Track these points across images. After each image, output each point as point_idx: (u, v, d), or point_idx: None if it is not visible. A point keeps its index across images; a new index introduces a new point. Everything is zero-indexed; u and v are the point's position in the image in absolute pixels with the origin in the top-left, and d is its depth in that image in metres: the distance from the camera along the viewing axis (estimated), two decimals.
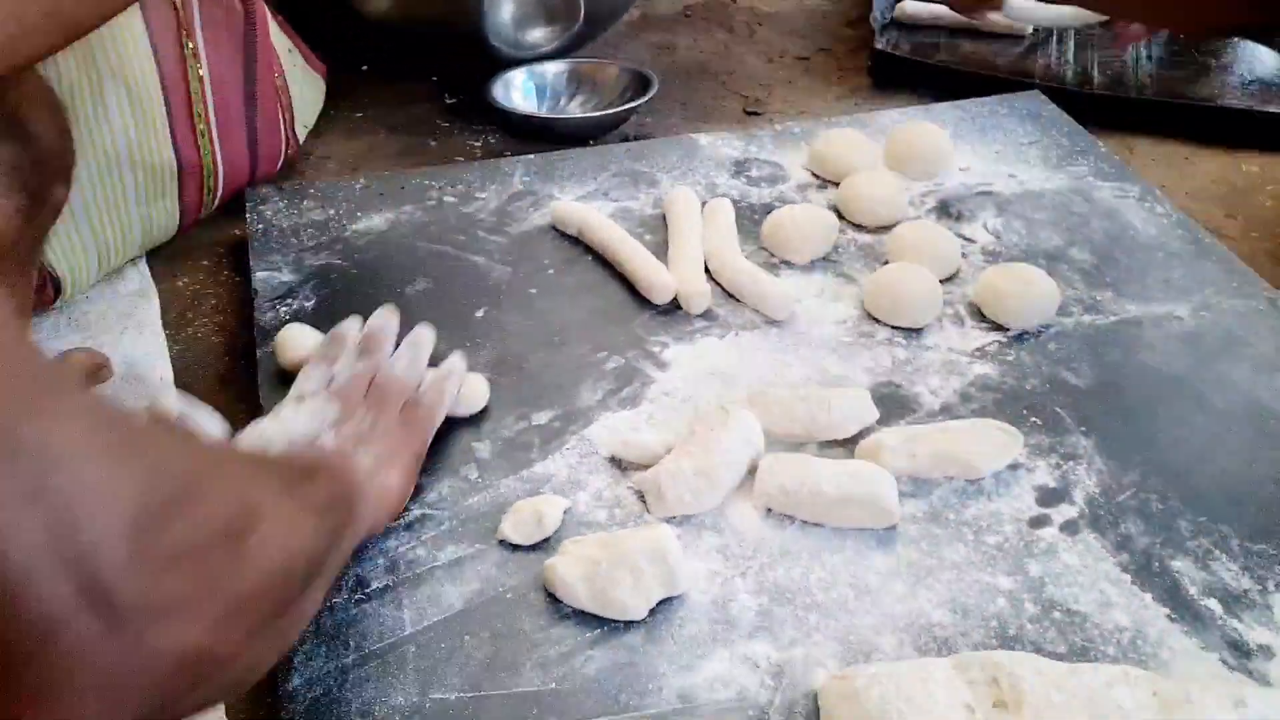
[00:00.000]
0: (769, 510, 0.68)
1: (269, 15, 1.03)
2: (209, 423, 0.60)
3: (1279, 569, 0.66)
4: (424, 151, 1.11)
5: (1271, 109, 1.22)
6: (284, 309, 0.83)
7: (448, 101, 1.19)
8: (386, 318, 0.76)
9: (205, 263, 0.94)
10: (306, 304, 0.84)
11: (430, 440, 0.70)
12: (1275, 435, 0.75)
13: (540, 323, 0.84)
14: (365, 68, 1.25)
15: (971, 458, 0.71)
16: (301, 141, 1.07)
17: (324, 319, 0.80)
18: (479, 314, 0.84)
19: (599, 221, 0.91)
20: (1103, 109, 1.19)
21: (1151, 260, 0.92)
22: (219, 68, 0.91)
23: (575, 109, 1.16)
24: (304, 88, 1.09)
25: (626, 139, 1.12)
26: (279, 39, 1.04)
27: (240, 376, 0.82)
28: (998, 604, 0.64)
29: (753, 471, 0.70)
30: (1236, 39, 1.35)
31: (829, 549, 0.67)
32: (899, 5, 1.38)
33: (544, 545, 0.66)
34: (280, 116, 0.99)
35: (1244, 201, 1.09)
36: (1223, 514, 0.69)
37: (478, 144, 1.12)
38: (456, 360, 0.75)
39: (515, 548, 0.66)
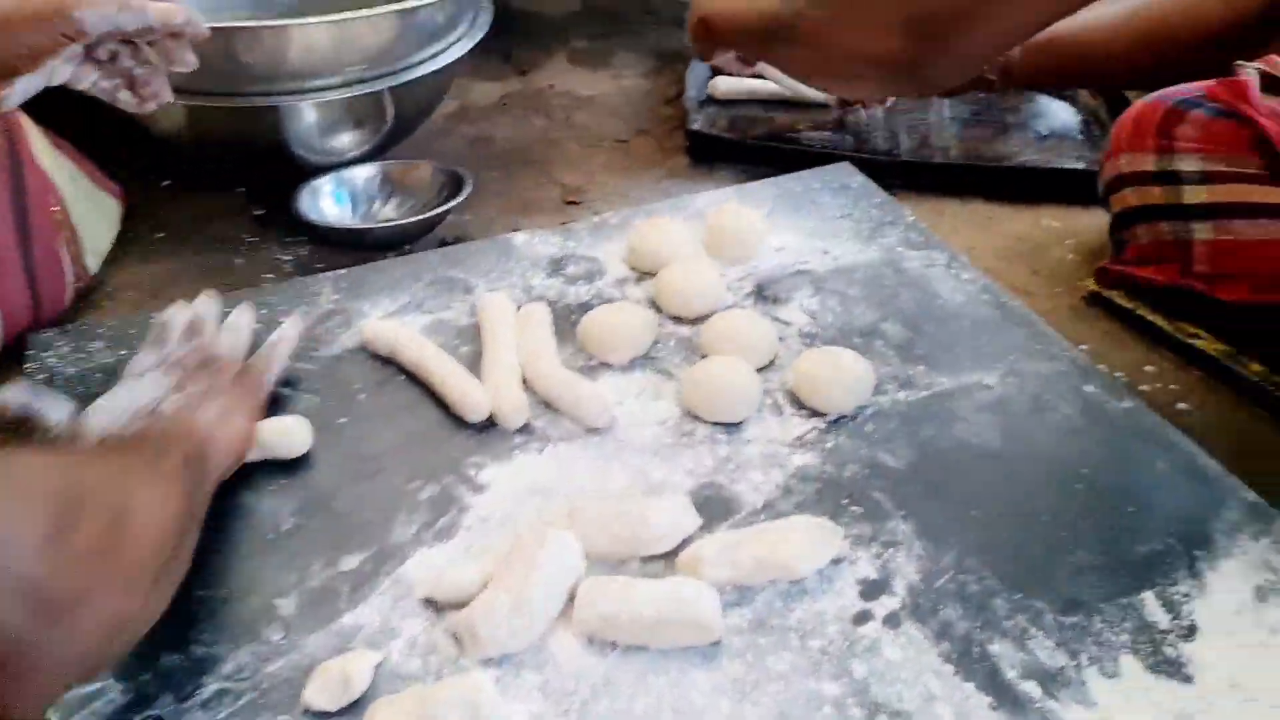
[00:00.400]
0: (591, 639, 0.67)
1: (46, 144, 0.98)
2: (57, 408, 0.70)
3: (1090, 641, 0.67)
4: (230, 270, 1.07)
5: (1065, 164, 1.28)
6: None
7: (255, 213, 1.15)
8: (207, 303, 0.84)
9: None
10: None
11: (265, 397, 0.80)
12: (1082, 500, 0.77)
13: (351, 454, 0.80)
14: (166, 183, 1.20)
15: (792, 560, 0.70)
16: (94, 271, 1.02)
17: None
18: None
19: (410, 339, 0.88)
20: (911, 174, 1.23)
21: (960, 329, 0.94)
22: None
23: (390, 213, 1.14)
24: (93, 213, 1.04)
25: (444, 242, 1.10)
26: (59, 167, 1.00)
27: None
28: (824, 712, 0.63)
29: (574, 597, 0.68)
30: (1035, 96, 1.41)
31: (653, 671, 0.65)
32: (712, 82, 1.40)
33: (354, 708, 0.62)
34: (62, 250, 0.94)
35: (1046, 257, 1.13)
36: (1036, 588, 0.71)
37: (288, 258, 1.08)
38: (288, 327, 0.84)
39: (323, 716, 0.62)
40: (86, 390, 0.85)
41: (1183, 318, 1.00)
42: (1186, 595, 0.70)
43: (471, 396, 0.83)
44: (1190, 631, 0.68)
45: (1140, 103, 1.05)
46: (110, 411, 0.72)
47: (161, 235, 1.12)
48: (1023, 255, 1.13)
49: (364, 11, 1.04)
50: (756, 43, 0.84)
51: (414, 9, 1.06)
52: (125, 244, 1.09)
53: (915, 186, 1.22)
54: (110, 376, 0.86)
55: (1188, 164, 0.99)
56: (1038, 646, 0.67)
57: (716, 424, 0.83)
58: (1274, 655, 0.67)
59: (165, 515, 0.55)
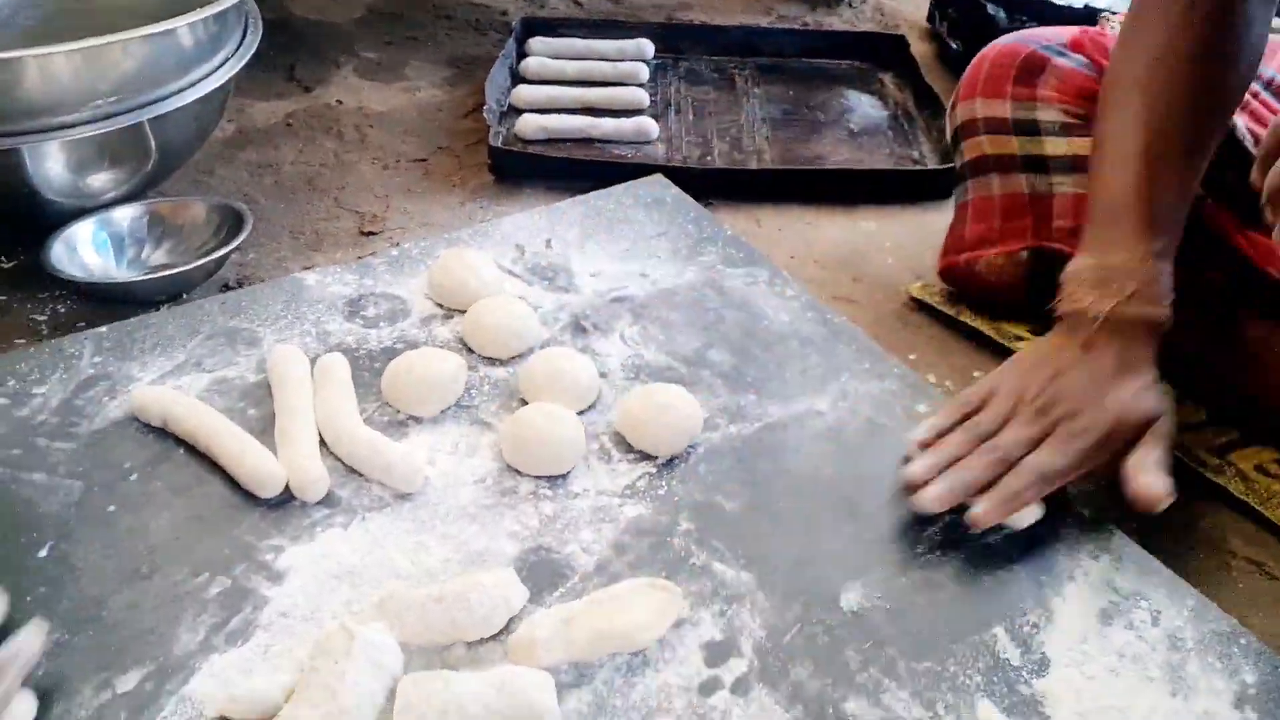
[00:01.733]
0: None
1: None
2: None
3: (945, 687, 0.64)
4: None
5: (878, 162, 1.27)
6: None
7: (4, 266, 1.02)
8: None
9: None
10: None
11: None
12: (926, 534, 0.74)
13: (123, 550, 0.70)
14: None
15: (632, 630, 0.65)
16: None
17: None
18: (41, 553, 0.69)
19: (188, 407, 0.78)
20: (724, 183, 1.20)
21: (788, 352, 0.91)
22: None
23: (162, 256, 1.02)
24: None
25: (227, 287, 1.00)
26: None
27: None
28: None
29: (392, 695, 0.61)
30: (841, 90, 1.40)
31: None
32: (515, 91, 1.33)
33: None
34: None
35: (866, 263, 1.11)
36: (885, 634, 0.67)
37: (43, 317, 0.96)
38: (27, 640, 0.61)
39: None
40: None
41: (1007, 315, 0.99)
42: (1035, 626, 0.68)
43: (263, 468, 0.73)
44: (1042, 665, 0.66)
45: (997, 45, 1.02)
46: None
47: None
48: (843, 262, 1.11)
49: (112, 36, 0.92)
50: None
51: (169, 30, 0.95)
52: None
53: (729, 195, 1.19)
54: None
55: (1048, 114, 0.97)
56: (893, 700, 0.64)
57: (540, 477, 0.77)
58: (1124, 680, 0.65)
59: None
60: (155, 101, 0.98)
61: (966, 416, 0.79)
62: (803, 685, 0.64)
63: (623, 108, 1.33)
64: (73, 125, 0.94)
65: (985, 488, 0.74)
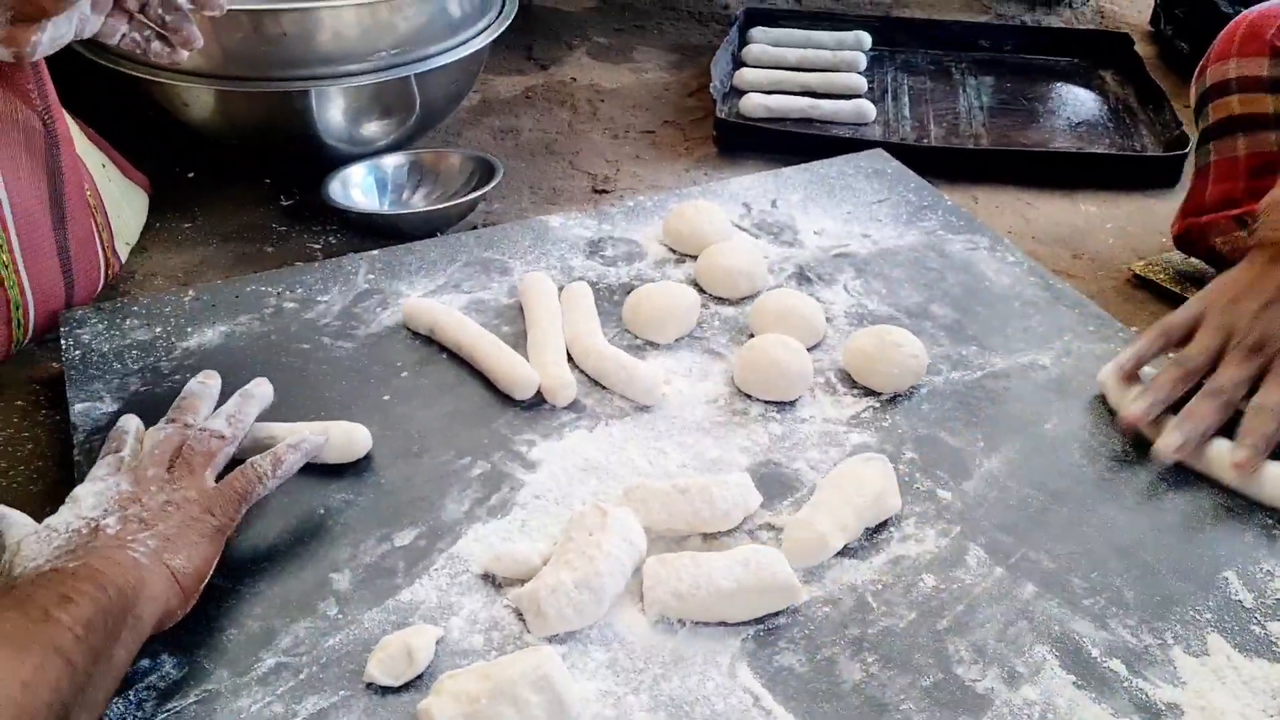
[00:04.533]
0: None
1: (78, 130, 0.96)
2: (19, 520, 0.62)
3: (1174, 618, 0.65)
4: (260, 258, 1.04)
5: (1099, 150, 1.27)
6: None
7: (284, 203, 1.13)
8: (204, 380, 0.75)
9: (20, 403, 0.85)
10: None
11: (244, 507, 0.66)
12: (1151, 480, 0.75)
13: (397, 432, 0.78)
14: (191, 174, 1.18)
15: (884, 496, 0.71)
16: (124, 260, 1.00)
17: None
18: None
19: (451, 318, 0.86)
20: (942, 161, 1.22)
21: (1010, 310, 0.92)
22: (21, 194, 0.84)
23: (419, 202, 1.12)
24: (123, 203, 1.02)
25: (475, 228, 1.08)
26: (90, 153, 0.97)
27: None
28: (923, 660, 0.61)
29: (637, 573, 0.66)
30: (1058, 84, 1.40)
31: (722, 650, 0.63)
32: (738, 73, 1.39)
33: (417, 683, 0.60)
34: (96, 237, 0.92)
35: (1086, 241, 1.11)
36: (1112, 566, 0.68)
37: (318, 245, 1.06)
38: (309, 435, 0.71)
39: (386, 690, 0.59)
40: (123, 367, 0.82)
41: None
42: (1270, 574, 0.68)
43: (519, 373, 0.80)
44: (1276, 609, 0.66)
45: (1253, 11, 1.00)
46: (48, 537, 0.60)
47: (189, 225, 1.09)
48: (1062, 240, 1.11)
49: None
50: None
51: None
52: (153, 234, 1.06)
53: (946, 174, 1.20)
54: (146, 352, 0.84)
55: None
56: (1119, 625, 0.65)
57: (769, 402, 0.81)
58: None
59: (25, 702, 0.47)
60: (423, 59, 1.08)
61: (1167, 345, 0.80)
62: (1029, 605, 0.66)
63: (841, 92, 1.37)
64: (352, 74, 1.04)
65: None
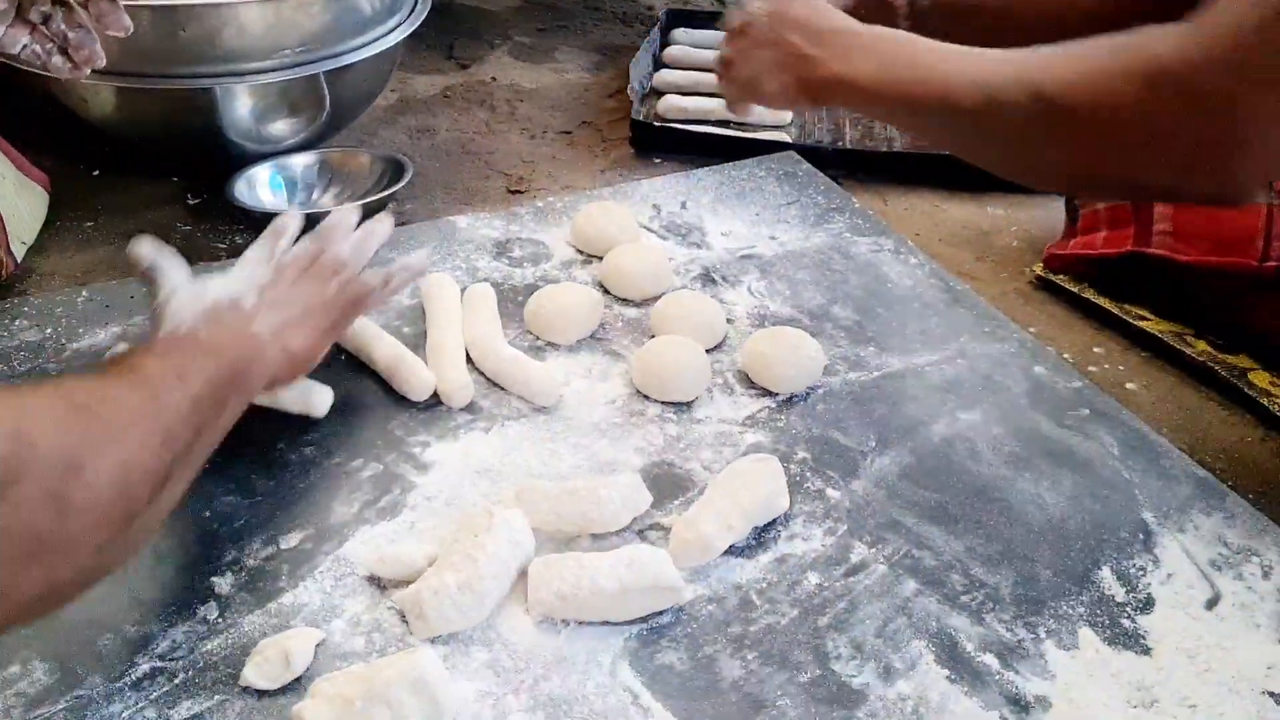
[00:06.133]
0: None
1: None
2: (175, 272, 0.69)
3: (1048, 614, 0.67)
4: None
5: None
6: None
7: (190, 203, 1.12)
8: (345, 214, 0.81)
9: None
10: None
11: (354, 316, 0.77)
12: (1034, 477, 0.77)
13: (292, 433, 0.77)
14: (96, 172, 1.16)
15: (773, 496, 0.72)
16: (20, 259, 0.98)
17: None
18: None
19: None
20: (855, 164, 1.23)
21: (909, 312, 0.94)
22: None
23: (329, 201, 1.11)
24: (20, 200, 1.00)
25: None
26: None
27: None
28: (796, 679, 0.62)
29: (524, 575, 0.66)
30: None
31: (604, 649, 0.63)
32: (657, 74, 1.40)
33: (295, 686, 0.60)
34: None
35: (991, 244, 1.13)
36: (992, 563, 0.70)
37: (223, 245, 1.05)
38: (417, 257, 0.81)
39: (262, 694, 0.59)
40: (9, 369, 0.81)
41: (1130, 299, 1.00)
42: (1142, 570, 0.70)
43: (416, 375, 0.80)
44: (1147, 604, 0.68)
45: None
46: (196, 298, 0.68)
47: (91, 224, 1.07)
48: (969, 241, 1.13)
49: None
50: (926, 129, 0.78)
51: None
52: (53, 233, 1.04)
53: (859, 177, 1.22)
54: (35, 354, 0.83)
55: None
56: (995, 621, 0.66)
57: (666, 403, 0.82)
58: (1228, 625, 0.67)
59: (129, 471, 0.51)
60: (333, 56, 1.07)
61: None
62: (909, 601, 0.67)
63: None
64: (259, 72, 1.03)
65: None
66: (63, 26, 0.78)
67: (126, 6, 0.83)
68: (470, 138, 1.29)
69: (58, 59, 0.80)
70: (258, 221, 1.05)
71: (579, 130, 1.32)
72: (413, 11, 1.18)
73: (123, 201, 1.11)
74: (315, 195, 1.11)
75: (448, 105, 1.36)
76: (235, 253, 1.03)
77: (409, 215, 1.12)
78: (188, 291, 0.68)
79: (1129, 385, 0.93)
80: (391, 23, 1.14)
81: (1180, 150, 0.61)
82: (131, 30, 0.80)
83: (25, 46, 0.78)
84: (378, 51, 1.10)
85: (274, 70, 1.03)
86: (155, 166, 1.15)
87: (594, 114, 1.36)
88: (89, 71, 0.81)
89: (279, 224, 0.78)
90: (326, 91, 1.09)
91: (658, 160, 1.25)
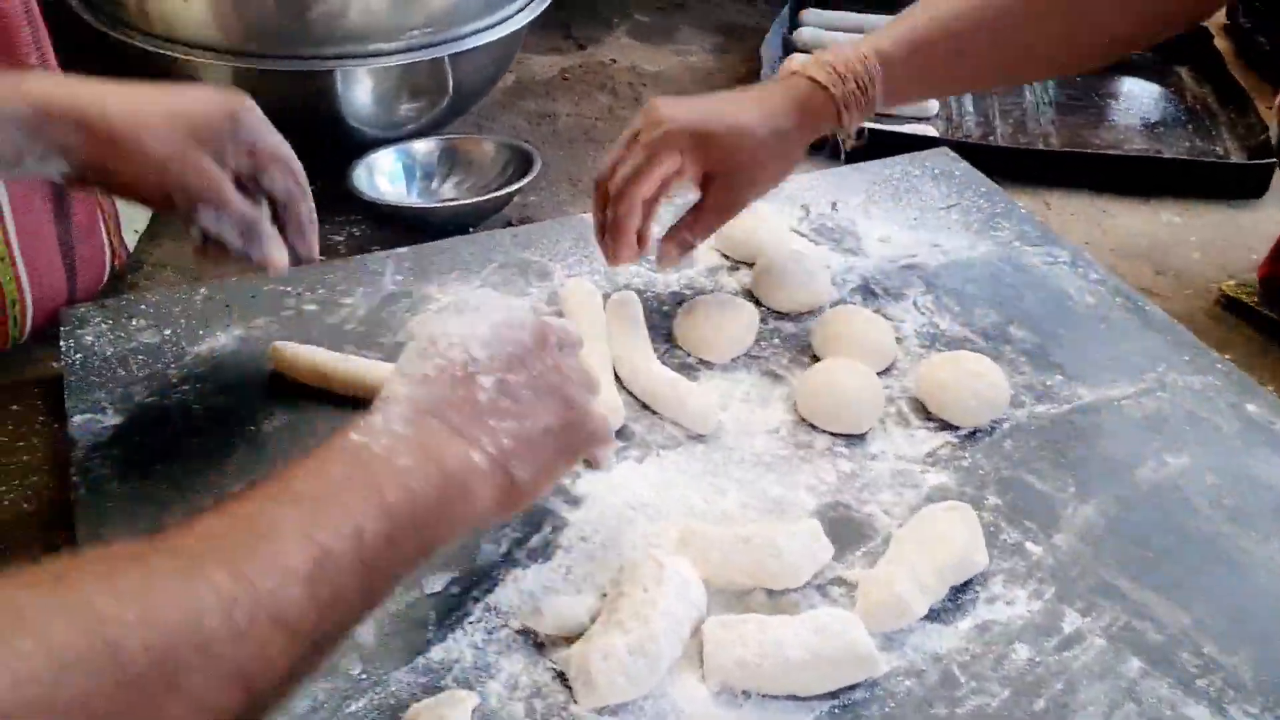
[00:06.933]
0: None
1: None
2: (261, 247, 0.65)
3: None
4: None
5: (1180, 154, 1.18)
6: (108, 462, 0.69)
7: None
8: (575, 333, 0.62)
9: (15, 408, 0.77)
10: (137, 454, 0.69)
11: (586, 453, 0.59)
12: (1275, 533, 0.67)
13: None
14: None
15: (969, 553, 0.63)
16: (132, 249, 0.92)
17: (158, 476, 0.67)
18: None
19: None
20: (1011, 162, 1.13)
21: (1095, 334, 0.84)
22: (20, 188, 0.76)
23: (450, 190, 1.04)
24: None
25: (510, 224, 1.00)
26: None
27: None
28: None
29: (695, 635, 0.59)
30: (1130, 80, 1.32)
31: None
32: (788, 59, 1.30)
33: None
34: (101, 225, 0.85)
35: (1170, 256, 1.03)
36: (1230, 641, 0.61)
37: (341, 237, 0.99)
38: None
39: None
40: (128, 374, 0.75)
41: None
42: None
43: None
44: None
45: None
46: (420, 356, 0.53)
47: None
48: (1144, 254, 1.03)
49: None
50: None
51: None
52: (164, 220, 0.99)
53: (1014, 175, 1.12)
54: (154, 357, 0.77)
55: None
56: (1238, 713, 0.57)
57: (836, 435, 0.74)
58: None
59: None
60: (458, 39, 1.00)
61: None
62: (1136, 684, 0.58)
63: None
64: (382, 54, 0.96)
65: None
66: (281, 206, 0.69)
67: None
68: (592, 123, 1.21)
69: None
70: (379, 213, 0.98)
71: None
72: None
73: None
74: (436, 184, 1.05)
75: (567, 89, 1.28)
76: (354, 246, 0.97)
77: (534, 209, 1.05)
78: (410, 358, 0.54)
79: None
80: (517, 3, 1.07)
81: None
82: (316, 261, 0.73)
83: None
84: (505, 34, 1.03)
85: (397, 53, 0.97)
86: None
87: None
88: (278, 270, 0.70)
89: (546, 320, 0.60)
90: (450, 75, 1.02)
91: None
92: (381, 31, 0.95)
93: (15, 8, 0.78)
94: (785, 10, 1.40)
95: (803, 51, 1.33)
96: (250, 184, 0.67)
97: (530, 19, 1.06)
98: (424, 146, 1.04)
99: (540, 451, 0.54)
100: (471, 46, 1.01)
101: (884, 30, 0.82)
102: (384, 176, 1.02)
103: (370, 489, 0.46)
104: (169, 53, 0.94)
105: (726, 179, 0.78)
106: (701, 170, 0.78)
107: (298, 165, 0.69)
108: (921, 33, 0.80)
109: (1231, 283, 0.98)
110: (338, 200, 1.01)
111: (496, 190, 0.99)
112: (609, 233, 0.77)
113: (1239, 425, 0.76)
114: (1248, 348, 0.91)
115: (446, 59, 1.00)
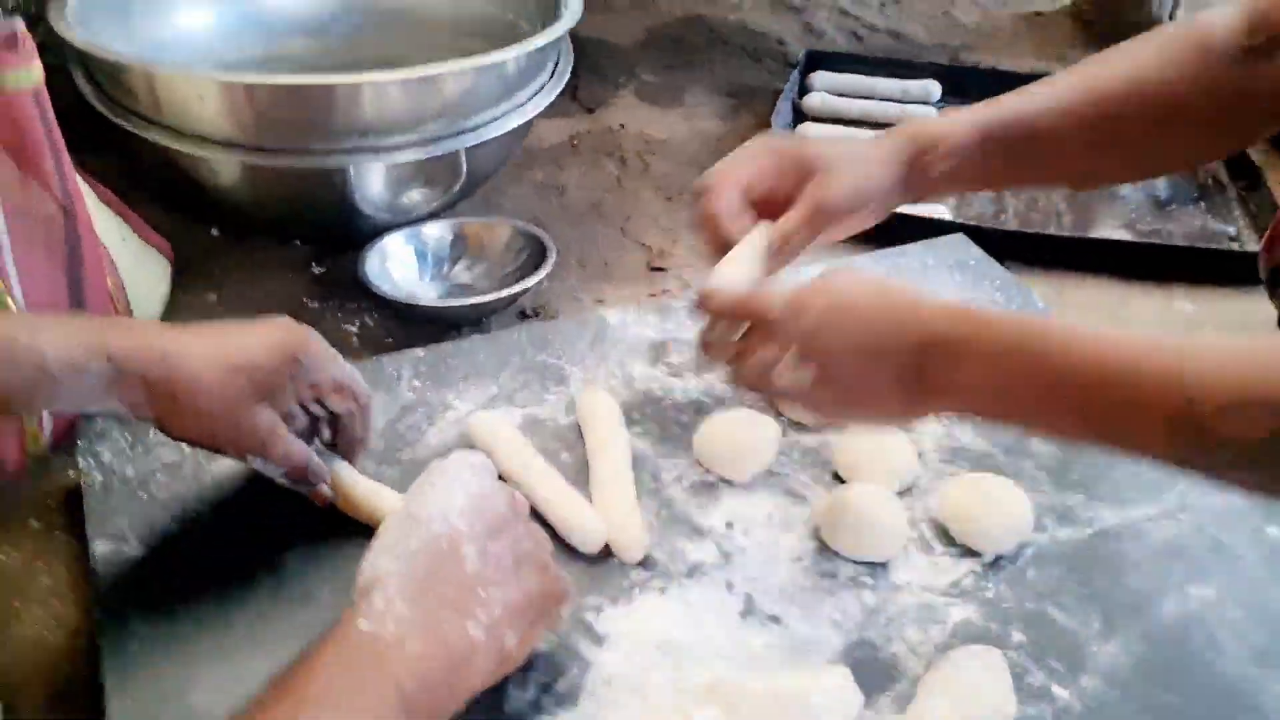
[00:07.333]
0: None
1: (95, 201, 0.87)
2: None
3: None
4: None
5: (1194, 240, 1.18)
6: (131, 598, 0.68)
7: (315, 271, 1.05)
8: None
9: (35, 524, 0.77)
10: (161, 589, 0.68)
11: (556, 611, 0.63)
12: None
13: None
14: (215, 230, 1.09)
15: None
16: None
17: (182, 615, 0.66)
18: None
19: (513, 445, 0.78)
20: (1023, 246, 1.13)
21: None
22: (36, 287, 0.76)
23: (463, 274, 1.03)
24: (143, 274, 0.94)
25: (524, 314, 1.00)
26: (109, 226, 0.89)
27: (85, 691, 0.65)
28: None
29: None
30: None
31: None
32: (800, 128, 1.30)
33: None
34: None
35: None
36: None
37: (354, 328, 0.98)
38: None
39: None
40: (149, 496, 0.74)
41: None
42: None
43: (588, 524, 0.72)
44: None
45: None
46: (398, 534, 0.57)
47: (214, 297, 1.01)
48: None
49: (445, 66, 0.92)
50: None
51: (498, 61, 0.95)
52: (177, 307, 0.98)
53: (1028, 259, 1.12)
54: (173, 477, 0.76)
55: None
56: None
57: (859, 562, 0.74)
58: None
59: None
60: (474, 129, 0.99)
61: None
62: None
63: None
64: (397, 148, 0.95)
65: None
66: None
67: (260, 85, 0.76)
68: (601, 197, 1.21)
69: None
70: (396, 309, 0.98)
71: None
72: (555, 71, 1.09)
73: (245, 267, 1.05)
74: (448, 269, 1.04)
75: (576, 157, 1.28)
76: (368, 339, 0.97)
77: (546, 295, 1.04)
78: (394, 534, 0.57)
79: None
80: (535, 84, 1.06)
81: None
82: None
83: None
84: (520, 122, 1.02)
85: (411, 146, 0.96)
86: (280, 226, 1.08)
87: None
88: (325, 494, 0.73)
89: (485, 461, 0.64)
90: (465, 164, 1.01)
91: None
92: (397, 126, 0.95)
93: (28, 105, 0.78)
94: (795, 75, 1.39)
95: (814, 119, 1.33)
96: (313, 403, 0.71)
97: (545, 104, 1.05)
98: (435, 231, 1.03)
99: (525, 616, 0.58)
100: (488, 138, 1.00)
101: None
102: (397, 263, 1.01)
103: (387, 683, 0.50)
104: (182, 148, 0.93)
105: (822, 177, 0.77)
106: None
107: (360, 388, 0.73)
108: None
109: None
110: (350, 287, 1.00)
111: (510, 281, 0.99)
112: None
113: (1263, 552, 0.76)
114: None
115: (463, 151, 0.99)
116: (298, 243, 1.07)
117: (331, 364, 0.70)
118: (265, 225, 1.07)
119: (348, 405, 0.72)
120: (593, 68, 1.46)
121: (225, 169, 0.95)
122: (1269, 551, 0.76)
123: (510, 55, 0.96)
